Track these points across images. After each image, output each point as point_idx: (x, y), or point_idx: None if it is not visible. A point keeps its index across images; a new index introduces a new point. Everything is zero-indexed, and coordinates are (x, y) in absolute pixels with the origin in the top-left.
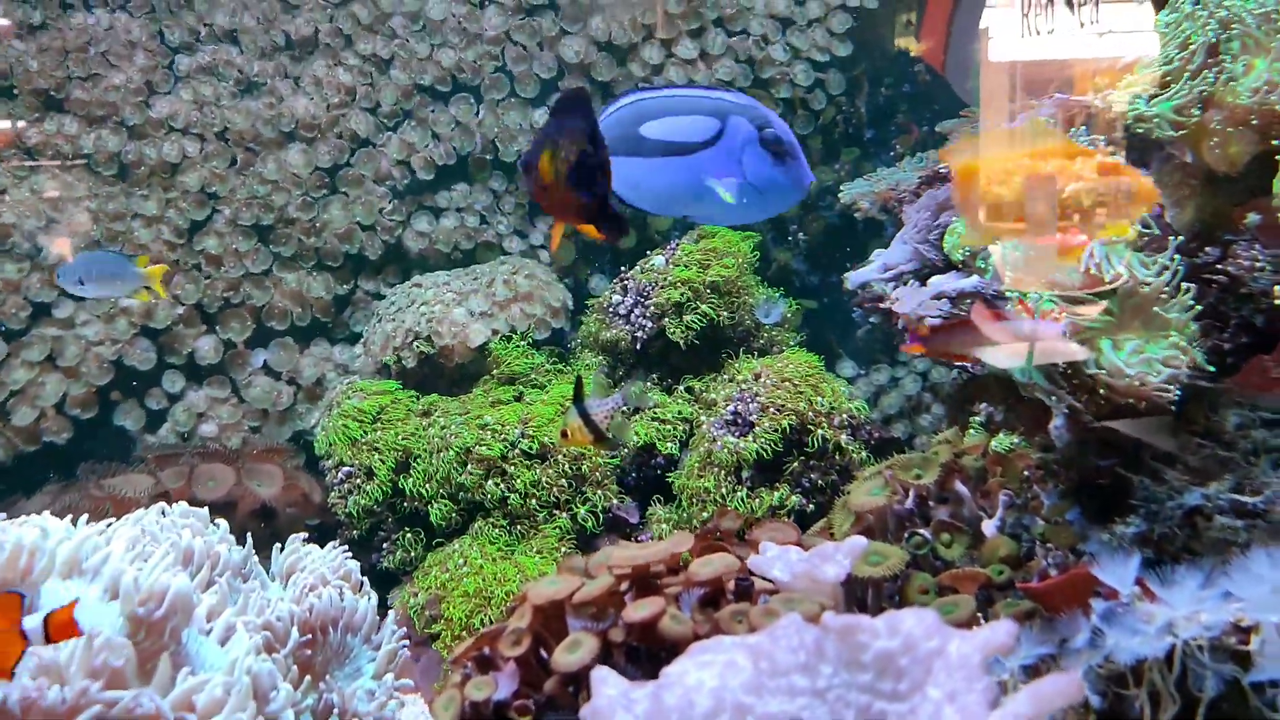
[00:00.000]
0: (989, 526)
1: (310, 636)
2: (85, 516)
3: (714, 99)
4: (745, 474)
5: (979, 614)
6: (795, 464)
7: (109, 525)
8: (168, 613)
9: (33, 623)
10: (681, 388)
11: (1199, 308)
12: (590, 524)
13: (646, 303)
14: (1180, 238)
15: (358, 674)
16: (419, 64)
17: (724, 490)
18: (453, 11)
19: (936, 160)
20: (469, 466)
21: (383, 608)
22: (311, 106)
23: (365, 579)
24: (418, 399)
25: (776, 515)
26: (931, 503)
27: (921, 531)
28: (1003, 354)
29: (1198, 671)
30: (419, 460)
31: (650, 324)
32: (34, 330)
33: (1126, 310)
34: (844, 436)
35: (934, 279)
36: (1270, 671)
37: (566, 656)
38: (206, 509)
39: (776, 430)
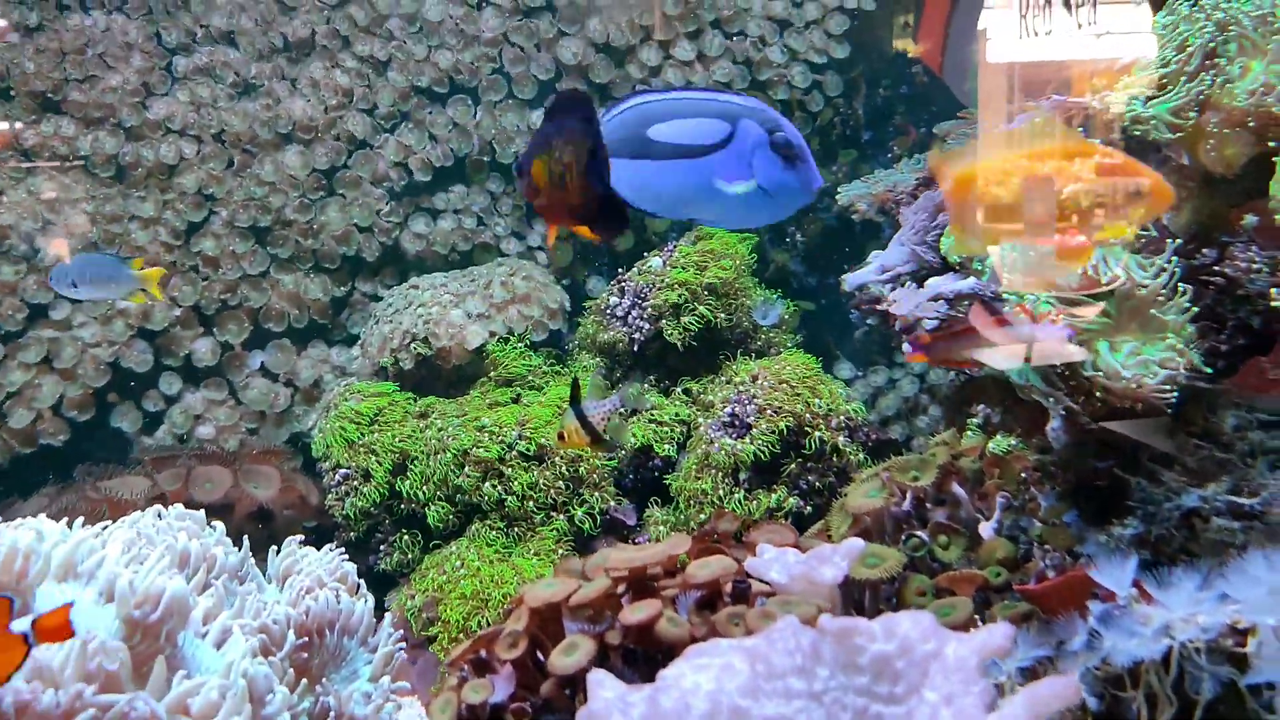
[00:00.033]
0: (986, 528)
1: (307, 639)
2: (81, 519)
3: (723, 102)
4: (743, 476)
5: (976, 616)
6: (793, 466)
7: (105, 528)
8: (163, 616)
9: (21, 626)
10: (679, 389)
11: (1196, 309)
12: (587, 526)
13: (644, 304)
14: (1178, 240)
15: (354, 677)
16: (416, 66)
17: (721, 492)
18: (450, 13)
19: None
20: (466, 468)
21: (380, 610)
22: (309, 108)
23: (362, 581)
24: (415, 401)
25: (774, 517)
26: (929, 505)
27: (919, 533)
28: (1001, 356)
29: (1195, 674)
30: (416, 462)
31: (648, 326)
32: (31, 332)
33: (1124, 312)
34: (841, 438)
35: (931, 280)
36: (1267, 673)
37: (563, 659)
38: (203, 511)
39: (774, 432)
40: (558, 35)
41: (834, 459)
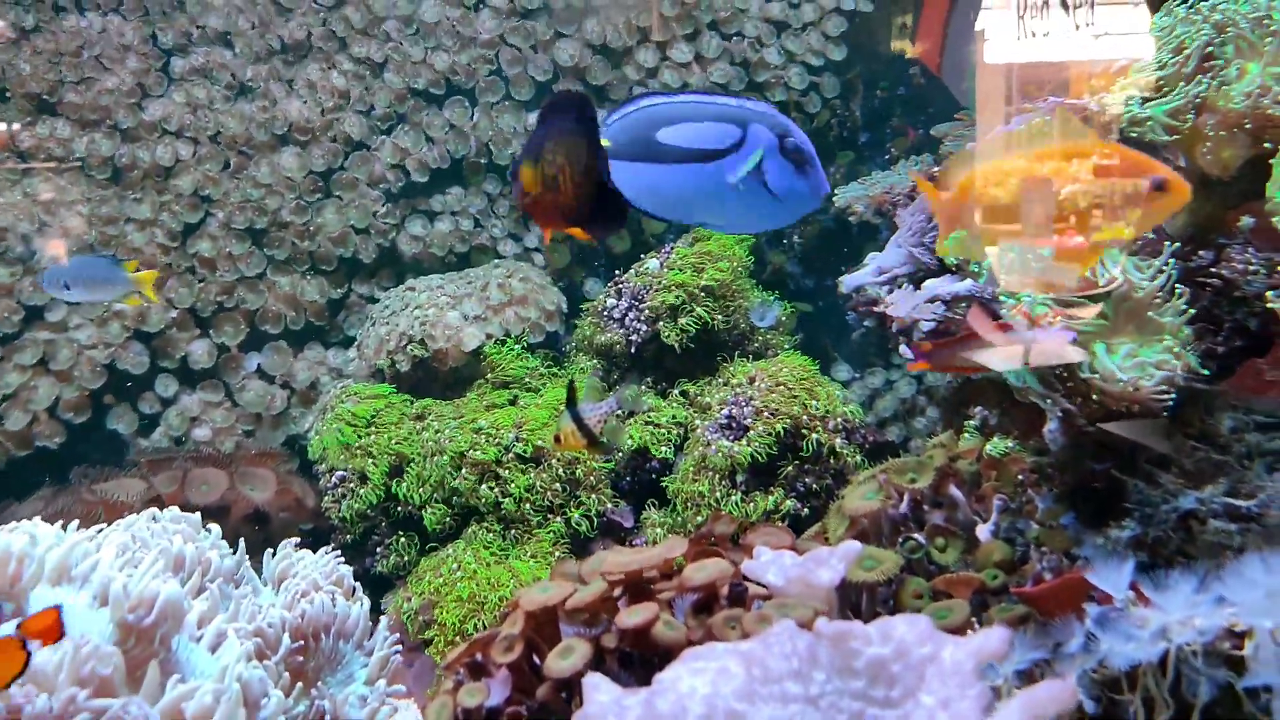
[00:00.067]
0: (983, 531)
1: (302, 643)
2: (77, 521)
3: (732, 106)
4: (740, 478)
5: (973, 619)
6: (790, 468)
7: (99, 531)
8: (157, 619)
9: (6, 630)
10: (676, 391)
11: (1193, 311)
12: (584, 528)
13: (641, 306)
14: (1175, 242)
15: (350, 680)
16: (413, 67)
17: (718, 494)
18: (446, 15)
19: (930, 165)
20: (463, 471)
21: (376, 613)
22: (305, 110)
23: (358, 584)
24: (412, 403)
25: (771, 520)
26: (926, 507)
27: (916, 536)
28: (999, 358)
29: (1192, 677)
30: (413, 464)
31: (645, 327)
32: (26, 334)
33: (1121, 314)
34: (838, 440)
35: (928, 282)
36: (1264, 677)
37: (559, 663)
38: (199, 514)
39: (771, 434)
40: (555, 37)
41: (831, 461)
